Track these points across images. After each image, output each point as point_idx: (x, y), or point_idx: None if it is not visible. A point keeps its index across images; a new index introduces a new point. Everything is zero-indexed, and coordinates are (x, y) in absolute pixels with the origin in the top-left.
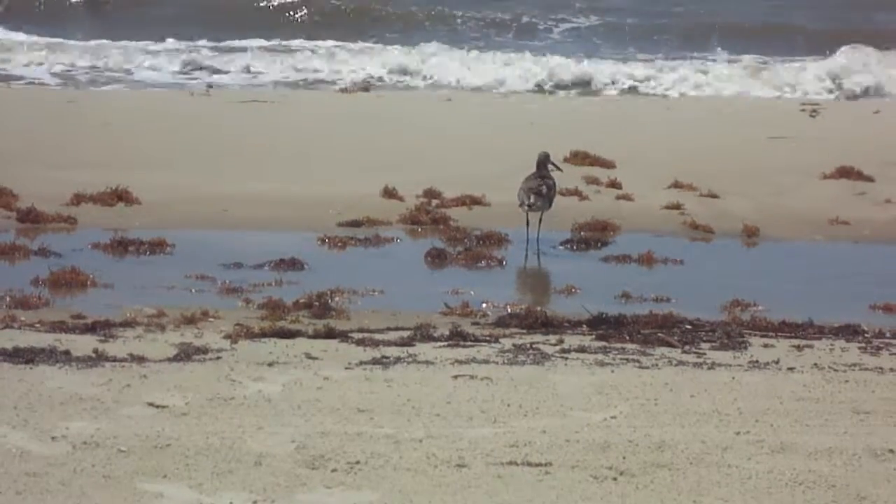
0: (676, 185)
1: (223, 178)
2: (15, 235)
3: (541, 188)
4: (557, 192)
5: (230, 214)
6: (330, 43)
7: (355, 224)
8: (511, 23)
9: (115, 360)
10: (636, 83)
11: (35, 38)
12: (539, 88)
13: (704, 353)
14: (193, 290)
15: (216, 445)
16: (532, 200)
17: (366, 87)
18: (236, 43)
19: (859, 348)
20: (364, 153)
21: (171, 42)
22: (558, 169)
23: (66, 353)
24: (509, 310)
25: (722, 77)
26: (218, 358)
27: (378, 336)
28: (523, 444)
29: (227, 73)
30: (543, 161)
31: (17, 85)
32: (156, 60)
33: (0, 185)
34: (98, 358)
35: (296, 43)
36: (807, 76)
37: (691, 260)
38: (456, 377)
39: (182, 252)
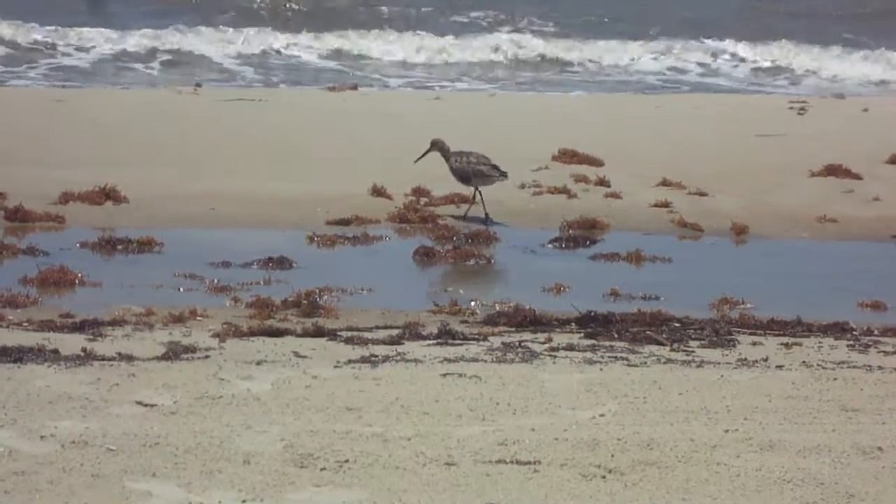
0: (665, 183)
1: (211, 177)
2: (3, 234)
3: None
4: (546, 191)
5: (218, 213)
6: None
7: (344, 222)
8: None
9: (103, 358)
10: None
11: None
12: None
13: (693, 351)
14: (182, 289)
15: (205, 444)
16: (499, 173)
17: (354, 85)
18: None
19: (848, 346)
20: (352, 151)
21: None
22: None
23: (55, 351)
24: (498, 308)
25: None
26: (206, 357)
27: (367, 334)
28: (512, 443)
29: None
30: (441, 146)
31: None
32: None
33: None
34: (86, 357)
35: None
36: None
37: (680, 258)
38: (445, 375)
39: (170, 251)
